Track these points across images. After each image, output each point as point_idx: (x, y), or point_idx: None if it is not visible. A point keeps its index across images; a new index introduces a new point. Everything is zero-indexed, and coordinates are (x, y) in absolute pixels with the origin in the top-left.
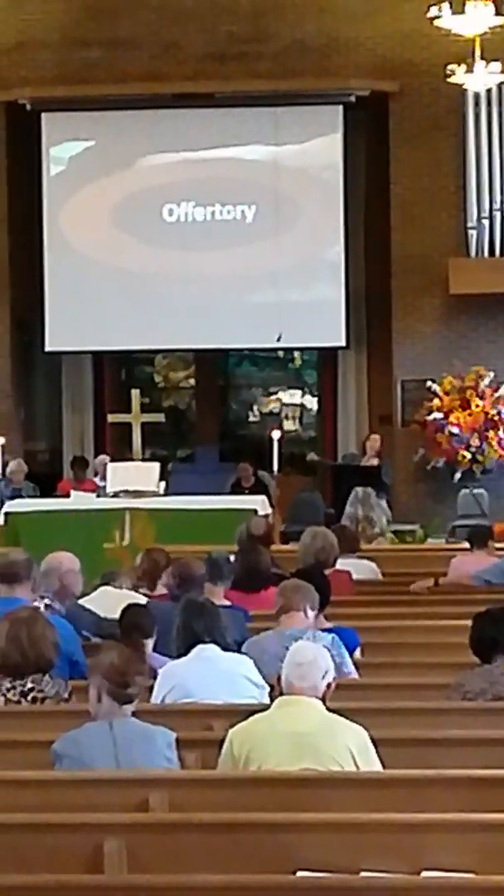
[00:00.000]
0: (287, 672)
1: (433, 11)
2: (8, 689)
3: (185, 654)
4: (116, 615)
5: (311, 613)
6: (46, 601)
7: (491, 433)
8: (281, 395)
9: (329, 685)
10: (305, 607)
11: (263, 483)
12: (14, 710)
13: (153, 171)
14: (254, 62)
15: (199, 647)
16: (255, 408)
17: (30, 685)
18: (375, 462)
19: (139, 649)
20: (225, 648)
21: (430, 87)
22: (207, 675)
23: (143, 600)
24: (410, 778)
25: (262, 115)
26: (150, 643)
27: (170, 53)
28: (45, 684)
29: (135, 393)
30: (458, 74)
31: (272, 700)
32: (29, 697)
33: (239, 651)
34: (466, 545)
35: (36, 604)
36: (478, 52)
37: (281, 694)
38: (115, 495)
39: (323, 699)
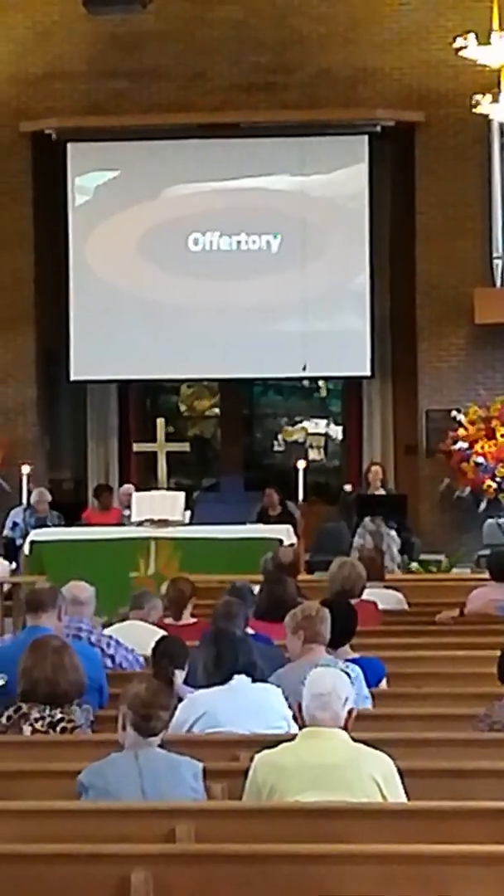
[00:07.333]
0: (308, 703)
1: (459, 42)
2: (36, 720)
3: (221, 684)
4: (140, 648)
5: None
6: (76, 630)
7: None
8: (306, 424)
9: (350, 712)
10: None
11: (290, 512)
12: (41, 740)
13: (179, 200)
14: (280, 92)
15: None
16: (279, 437)
17: (59, 715)
18: (382, 493)
19: (169, 680)
20: (254, 680)
21: (456, 117)
22: (237, 705)
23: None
24: (437, 809)
25: (287, 146)
26: (180, 675)
27: (196, 84)
28: (75, 713)
29: (160, 422)
30: (484, 105)
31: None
32: (58, 728)
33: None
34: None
35: (64, 632)
36: (503, 83)
37: (303, 724)
38: (141, 524)
39: (345, 727)
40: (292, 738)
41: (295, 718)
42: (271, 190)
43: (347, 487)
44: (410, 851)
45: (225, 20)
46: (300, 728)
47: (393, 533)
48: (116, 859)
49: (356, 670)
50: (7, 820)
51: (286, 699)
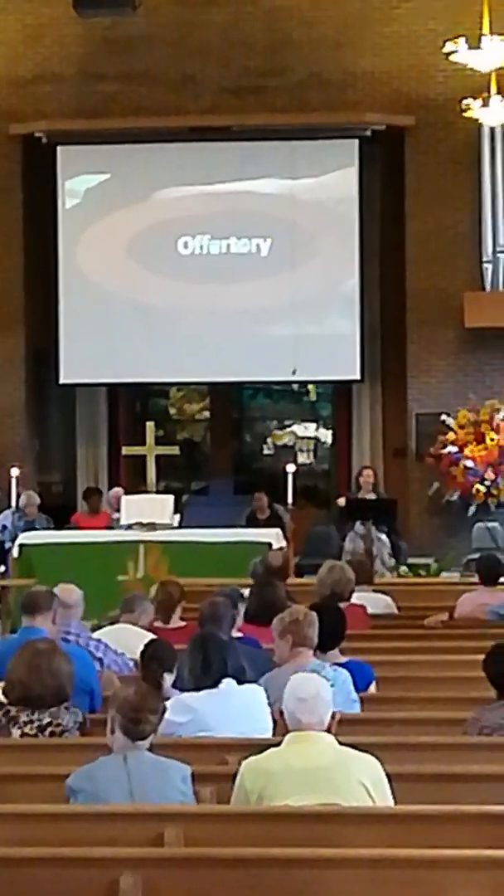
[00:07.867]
0: (292, 708)
1: (449, 46)
2: (25, 723)
3: (211, 687)
4: (129, 652)
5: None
6: (63, 634)
7: None
8: (295, 428)
9: (333, 716)
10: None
11: (279, 515)
12: (30, 744)
13: (169, 204)
14: (270, 96)
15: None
16: (269, 441)
17: (48, 719)
18: (373, 496)
19: (158, 683)
20: (241, 683)
21: (446, 121)
22: (227, 708)
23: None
24: (427, 814)
25: (278, 149)
26: (169, 678)
27: (186, 87)
28: (63, 716)
29: (149, 425)
30: (474, 109)
31: (279, 734)
32: (47, 732)
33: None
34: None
35: (56, 634)
36: (493, 87)
37: (286, 729)
38: (130, 528)
39: (329, 730)
40: (279, 742)
41: (275, 722)
42: (261, 193)
43: (341, 501)
44: (399, 855)
45: (215, 23)
46: (281, 733)
47: (384, 537)
48: (105, 863)
49: (344, 674)
50: None
51: (272, 704)
